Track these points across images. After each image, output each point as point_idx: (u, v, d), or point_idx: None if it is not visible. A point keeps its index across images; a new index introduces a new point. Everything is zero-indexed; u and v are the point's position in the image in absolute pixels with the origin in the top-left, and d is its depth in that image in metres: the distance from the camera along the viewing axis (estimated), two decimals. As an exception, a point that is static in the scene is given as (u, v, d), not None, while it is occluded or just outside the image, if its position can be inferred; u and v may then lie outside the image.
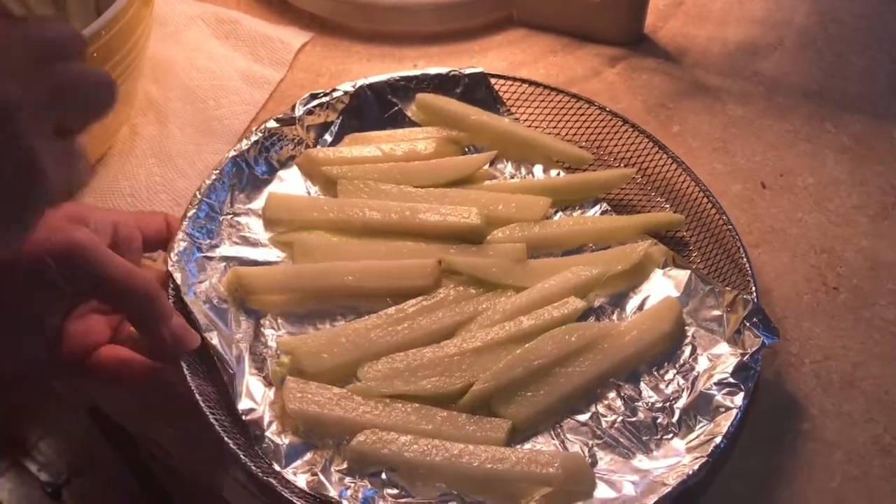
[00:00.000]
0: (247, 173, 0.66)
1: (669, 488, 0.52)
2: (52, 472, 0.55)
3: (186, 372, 0.54)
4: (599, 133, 0.72)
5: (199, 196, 0.63)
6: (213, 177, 0.64)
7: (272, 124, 0.68)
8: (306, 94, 0.69)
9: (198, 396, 0.54)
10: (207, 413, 0.53)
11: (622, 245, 0.66)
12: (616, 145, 0.71)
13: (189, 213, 0.62)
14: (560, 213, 0.68)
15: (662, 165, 0.69)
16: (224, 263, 0.62)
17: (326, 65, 0.71)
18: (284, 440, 0.54)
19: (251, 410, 0.55)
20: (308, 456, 0.54)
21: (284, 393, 0.56)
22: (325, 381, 0.57)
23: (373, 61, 0.69)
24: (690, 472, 0.53)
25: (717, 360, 0.59)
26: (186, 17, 0.68)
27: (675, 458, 0.55)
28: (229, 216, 0.64)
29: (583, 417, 0.58)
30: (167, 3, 0.68)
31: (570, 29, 0.65)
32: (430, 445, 0.54)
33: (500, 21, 0.69)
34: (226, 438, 0.52)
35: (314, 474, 0.53)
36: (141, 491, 0.56)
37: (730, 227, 0.65)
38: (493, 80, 0.73)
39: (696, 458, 0.54)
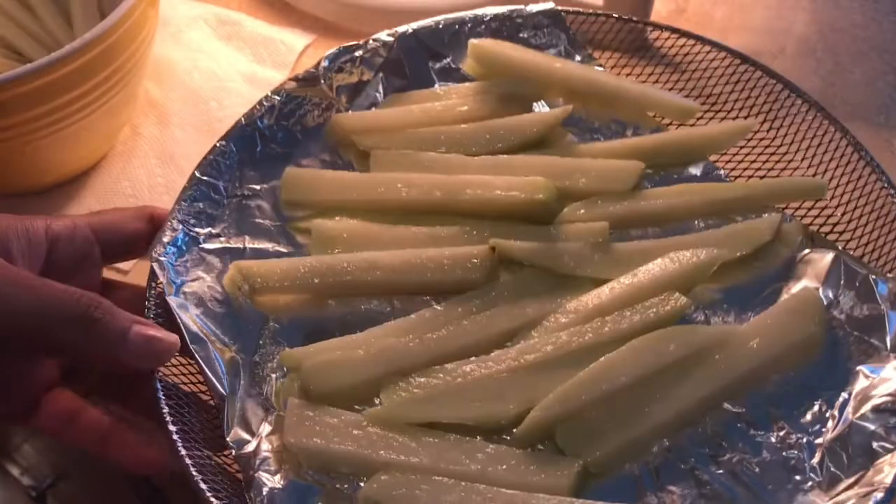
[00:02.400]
0: (260, 146, 0.54)
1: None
2: (36, 475, 0.50)
3: (161, 395, 0.43)
4: (710, 77, 0.55)
5: (197, 174, 0.51)
6: (218, 150, 0.52)
7: (292, 85, 0.55)
8: (335, 48, 0.56)
9: (171, 427, 0.42)
10: (181, 450, 0.41)
11: (742, 221, 0.49)
12: (732, 92, 0.54)
13: (184, 195, 0.50)
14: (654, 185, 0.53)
15: (795, 115, 0.52)
16: (227, 257, 0.50)
17: (329, 67, 0.67)
18: (282, 482, 0.42)
19: (244, 443, 0.43)
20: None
21: (285, 421, 0.43)
22: (340, 405, 0.44)
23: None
24: (841, 542, 0.36)
25: (877, 378, 0.42)
26: (188, 17, 0.68)
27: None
28: (237, 199, 0.52)
29: (685, 457, 0.42)
30: (169, 3, 0.68)
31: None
32: (471, 493, 0.40)
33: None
34: (202, 485, 0.40)
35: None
36: (130, 492, 0.50)
37: (893, 192, 0.47)
38: (569, 19, 0.58)
39: (849, 520, 0.37)
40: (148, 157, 0.59)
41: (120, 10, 0.51)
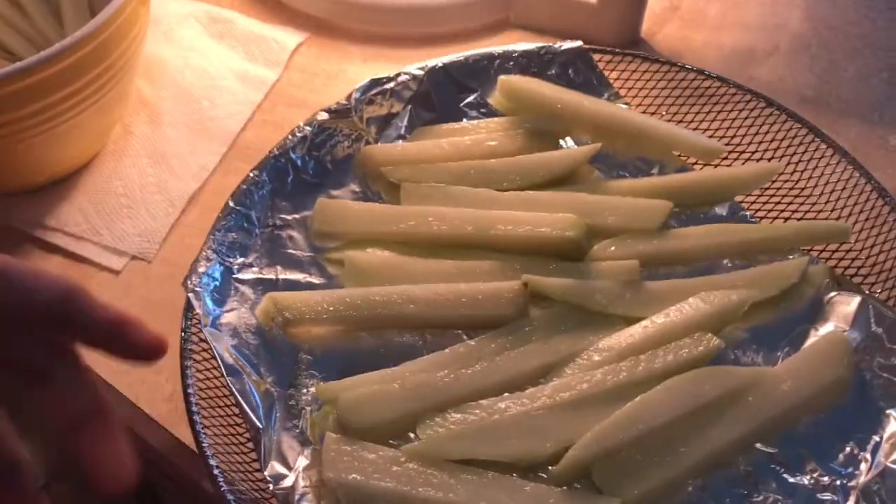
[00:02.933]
0: (292, 176, 0.54)
1: None
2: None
3: (199, 426, 0.43)
4: (735, 119, 0.56)
5: (230, 204, 0.51)
6: (250, 180, 0.52)
7: (323, 116, 0.55)
8: (366, 80, 0.57)
9: (212, 462, 0.42)
10: (223, 485, 0.41)
11: (770, 263, 0.50)
12: (756, 134, 0.56)
13: (218, 225, 0.50)
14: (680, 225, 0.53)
15: (820, 159, 0.53)
16: (260, 288, 0.50)
17: (322, 65, 0.66)
18: (320, 519, 0.42)
19: (281, 477, 0.43)
20: (349, 541, 0.41)
21: (322, 455, 0.43)
22: (374, 439, 0.44)
23: (368, 62, 0.66)
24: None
25: (909, 420, 0.43)
26: (180, 15, 0.67)
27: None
28: (269, 229, 0.52)
29: (720, 497, 0.43)
30: (160, 1, 0.67)
31: (566, 32, 0.63)
32: (510, 531, 0.41)
33: (496, 23, 0.68)
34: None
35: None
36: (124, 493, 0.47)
37: (917, 237, 0.48)
38: (596, 57, 0.59)
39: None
40: (139, 156, 0.58)
41: (110, 8, 0.50)
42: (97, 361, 0.48)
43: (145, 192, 0.56)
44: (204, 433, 0.43)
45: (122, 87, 0.55)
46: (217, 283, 0.49)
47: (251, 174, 0.53)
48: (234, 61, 0.64)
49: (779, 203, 0.54)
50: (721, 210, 0.54)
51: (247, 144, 0.60)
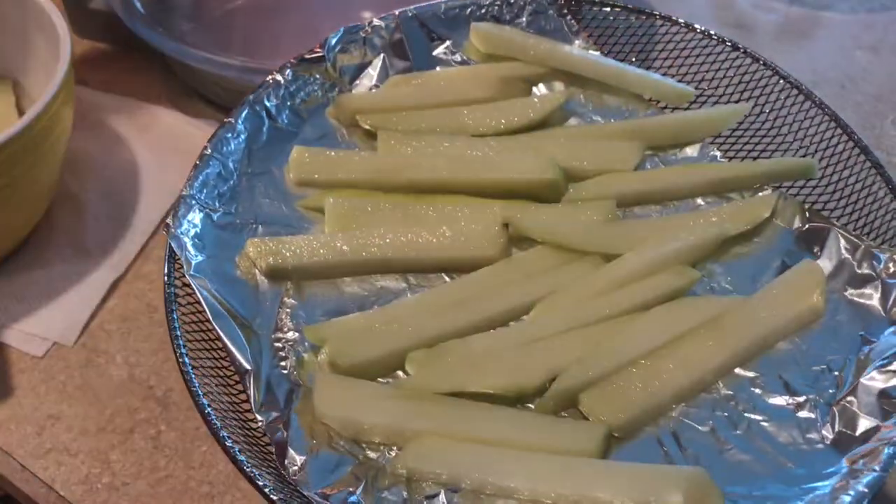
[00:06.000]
0: (267, 125, 0.54)
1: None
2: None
3: (189, 368, 0.42)
4: (703, 63, 0.58)
5: (208, 151, 0.51)
6: (226, 127, 0.52)
7: (296, 64, 0.55)
8: (339, 29, 0.57)
9: (203, 400, 0.41)
10: (216, 424, 0.41)
11: (741, 200, 0.52)
12: (724, 78, 0.57)
13: (198, 173, 0.50)
14: (653, 167, 0.55)
15: (786, 99, 0.55)
16: (240, 233, 0.50)
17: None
18: (314, 453, 0.42)
19: (272, 417, 0.43)
20: (344, 474, 0.41)
21: (314, 392, 0.43)
22: (363, 377, 0.45)
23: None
24: (854, 495, 0.39)
25: (878, 342, 0.45)
26: (106, 108, 0.68)
27: (831, 473, 0.41)
28: (246, 176, 0.52)
29: (702, 420, 0.44)
30: (88, 94, 0.68)
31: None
32: (501, 457, 0.41)
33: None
34: (238, 457, 0.40)
35: (352, 498, 0.40)
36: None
37: (880, 169, 0.50)
38: (566, 5, 0.59)
39: (861, 473, 0.40)
40: (62, 246, 0.59)
41: (35, 109, 0.51)
42: (11, 445, 0.50)
43: (67, 281, 0.57)
44: (193, 373, 0.43)
45: (46, 183, 0.56)
46: (198, 229, 0.48)
47: (226, 121, 0.52)
48: (156, 153, 0.64)
49: (747, 143, 0.55)
50: (692, 152, 0.55)
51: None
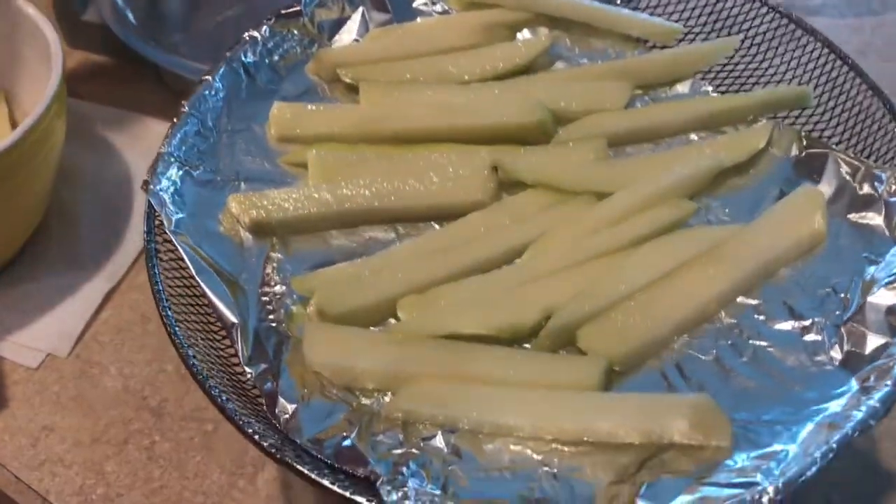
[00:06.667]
0: (245, 82, 0.53)
1: (840, 434, 0.36)
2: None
3: (175, 326, 0.41)
4: (689, 0, 0.56)
5: (186, 108, 0.50)
6: (204, 85, 0.51)
7: (272, 20, 0.54)
8: (315, -18, 0.55)
9: (189, 352, 0.40)
10: (202, 374, 0.39)
11: (735, 132, 0.51)
12: (711, 13, 0.56)
13: (176, 131, 0.49)
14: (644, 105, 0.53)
15: (776, 29, 0.54)
16: (221, 190, 0.49)
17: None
18: (307, 402, 0.41)
19: (262, 369, 0.42)
20: (338, 420, 0.40)
21: (304, 341, 0.42)
22: (355, 326, 0.43)
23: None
24: (867, 410, 0.37)
25: (882, 261, 0.44)
26: (98, 119, 0.68)
27: (841, 393, 0.39)
28: (227, 134, 0.51)
29: (706, 350, 0.42)
30: (80, 105, 0.67)
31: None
32: (499, 395, 0.40)
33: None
34: (226, 405, 0.38)
35: (345, 443, 0.39)
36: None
37: (877, 91, 0.49)
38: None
39: (873, 389, 0.38)
40: (56, 257, 0.59)
41: (28, 122, 0.51)
42: (6, 456, 0.49)
43: (61, 292, 0.57)
44: (177, 327, 0.41)
45: (40, 194, 0.56)
46: (177, 186, 0.47)
47: (204, 78, 0.51)
48: (148, 162, 0.62)
49: (738, 77, 0.54)
50: (683, 88, 0.54)
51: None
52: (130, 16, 0.67)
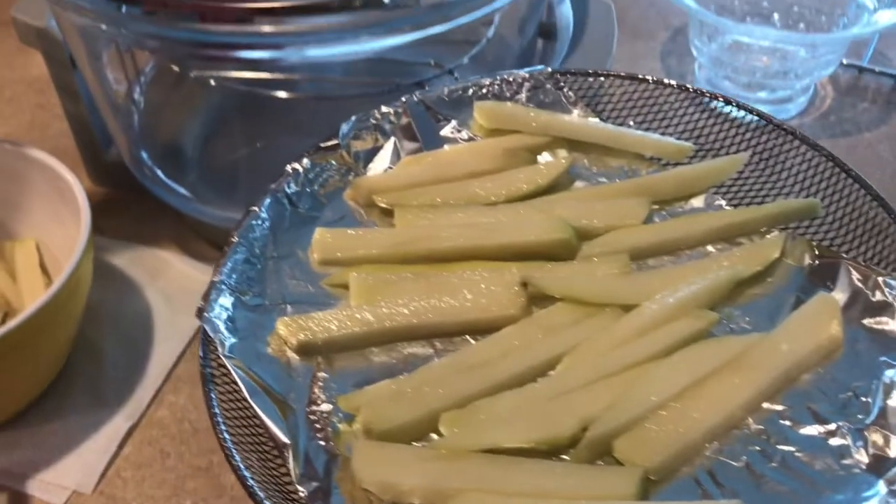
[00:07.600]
0: (289, 212, 0.57)
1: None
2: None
3: (230, 444, 0.44)
4: (698, 120, 0.60)
5: (235, 238, 0.53)
6: (251, 215, 0.54)
7: (313, 152, 0.58)
8: (351, 118, 0.60)
9: (245, 473, 0.42)
10: (259, 494, 0.42)
11: (750, 244, 0.54)
12: (720, 132, 0.59)
13: (226, 259, 0.52)
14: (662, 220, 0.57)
15: (782, 145, 0.57)
16: (270, 314, 0.52)
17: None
18: (357, 521, 0.43)
19: (313, 487, 0.44)
20: (389, 538, 0.42)
21: (353, 459, 0.44)
22: (400, 442, 0.46)
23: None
24: (898, 514, 0.39)
25: (902, 364, 0.46)
26: (120, 256, 0.72)
27: (870, 496, 0.41)
28: (272, 260, 0.54)
29: (736, 456, 0.44)
30: (103, 242, 0.72)
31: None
32: (543, 509, 0.42)
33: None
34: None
35: (397, 559, 0.41)
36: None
37: (880, 200, 0.52)
38: (563, 79, 0.63)
39: (901, 493, 0.40)
40: (80, 395, 0.61)
41: (60, 280, 0.54)
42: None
43: (85, 430, 0.60)
44: (234, 449, 0.44)
45: (68, 337, 0.59)
46: (229, 312, 0.50)
47: (251, 209, 0.55)
48: (168, 298, 0.68)
49: (750, 190, 0.57)
50: (698, 203, 0.57)
51: (179, 377, 0.64)
52: (146, 157, 0.70)
